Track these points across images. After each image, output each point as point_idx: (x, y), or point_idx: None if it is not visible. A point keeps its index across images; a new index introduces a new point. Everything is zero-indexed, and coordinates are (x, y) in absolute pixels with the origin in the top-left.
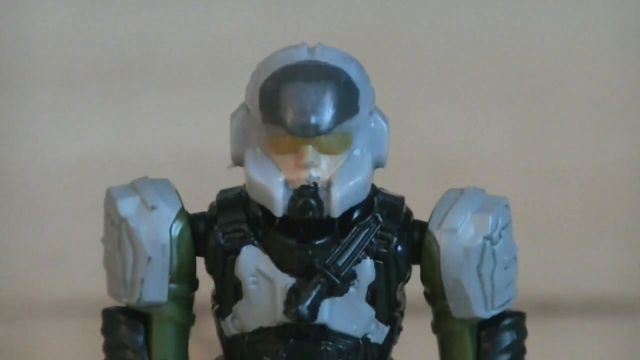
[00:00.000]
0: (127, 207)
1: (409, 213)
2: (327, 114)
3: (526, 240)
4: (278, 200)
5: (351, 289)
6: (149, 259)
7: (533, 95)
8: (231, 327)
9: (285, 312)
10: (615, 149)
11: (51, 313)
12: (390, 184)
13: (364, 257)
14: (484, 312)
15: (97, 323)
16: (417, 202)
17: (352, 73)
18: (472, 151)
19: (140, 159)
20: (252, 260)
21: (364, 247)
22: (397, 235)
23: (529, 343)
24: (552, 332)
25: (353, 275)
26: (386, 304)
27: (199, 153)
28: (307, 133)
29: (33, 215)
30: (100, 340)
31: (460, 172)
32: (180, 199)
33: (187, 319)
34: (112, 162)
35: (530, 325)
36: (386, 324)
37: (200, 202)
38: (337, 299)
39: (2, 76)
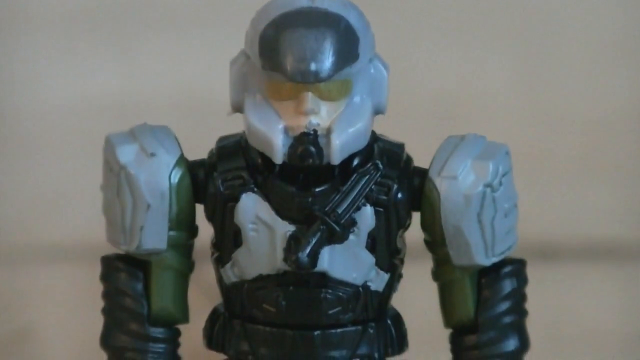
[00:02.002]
0: (127, 154)
1: (409, 160)
2: (327, 61)
3: (526, 185)
4: (278, 147)
5: (351, 237)
6: (148, 206)
7: (534, 40)
8: (231, 275)
9: (285, 260)
10: (616, 93)
11: (49, 257)
12: (390, 130)
13: (364, 204)
14: (484, 260)
15: (95, 267)
16: (418, 149)
17: (352, 20)
18: (473, 96)
19: (139, 103)
20: (251, 208)
21: (364, 194)
22: (397, 182)
23: (529, 289)
24: (553, 277)
25: (353, 223)
26: (386, 251)
27: (198, 97)
28: (307, 80)
29: (31, 159)
30: (98, 284)
31: (461, 117)
32: (179, 145)
33: (186, 266)
34: (111, 105)
35: (530, 270)
36: (386, 272)
37: (199, 148)
38: (337, 246)
39: (1, 20)
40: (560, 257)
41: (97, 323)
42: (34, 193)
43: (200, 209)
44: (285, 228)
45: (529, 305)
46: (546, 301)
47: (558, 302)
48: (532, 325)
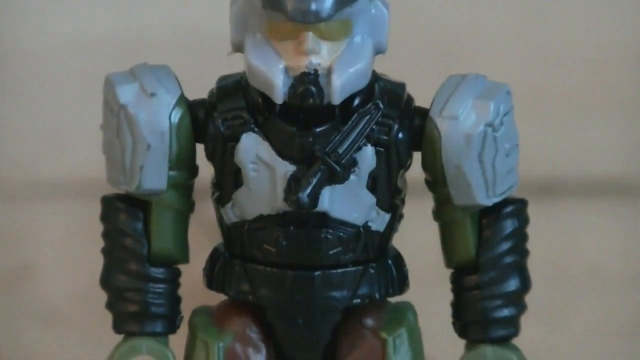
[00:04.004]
0: (127, 93)
1: (410, 99)
2: (328, 1)
3: (527, 122)
4: (278, 87)
5: (352, 177)
6: (148, 146)
7: None
8: (231, 215)
9: (286, 200)
10: (618, 29)
11: (48, 195)
12: (391, 70)
13: (365, 145)
14: (485, 200)
15: (95, 205)
16: (418, 88)
17: None
18: (473, 35)
19: (140, 41)
20: (252, 147)
21: (364, 134)
22: (398, 122)
23: (530, 227)
24: (554, 215)
25: (354, 163)
26: (387, 191)
27: (199, 36)
28: (308, 19)
29: (31, 97)
30: (97, 222)
31: (461, 56)
32: (179, 85)
33: (186, 206)
34: (111, 43)
35: (531, 209)
36: (387, 212)
37: (200, 87)
38: (338, 186)
39: None
40: (562, 195)
41: (96, 261)
42: (33, 130)
43: (200, 148)
44: (286, 168)
45: (531, 244)
46: (548, 239)
47: (560, 240)
48: (534, 264)
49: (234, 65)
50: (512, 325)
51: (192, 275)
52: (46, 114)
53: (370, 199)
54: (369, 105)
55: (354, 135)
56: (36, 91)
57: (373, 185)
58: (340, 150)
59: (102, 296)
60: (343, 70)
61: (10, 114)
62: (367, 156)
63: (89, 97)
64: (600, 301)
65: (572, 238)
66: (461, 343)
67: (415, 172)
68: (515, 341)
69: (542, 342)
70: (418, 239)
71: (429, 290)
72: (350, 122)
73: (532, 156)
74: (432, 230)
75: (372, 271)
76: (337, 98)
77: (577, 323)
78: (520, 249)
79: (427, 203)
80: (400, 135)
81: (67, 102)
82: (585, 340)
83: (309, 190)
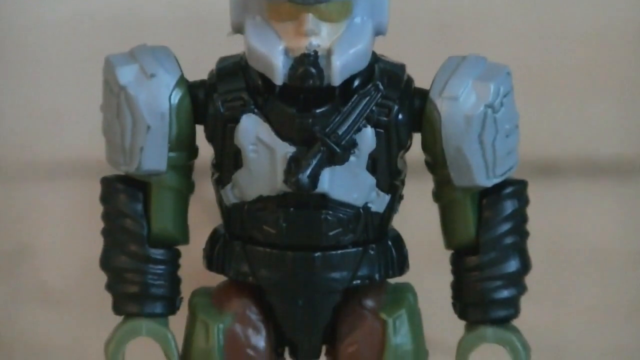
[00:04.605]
0: (126, 75)
1: (409, 81)
2: None
3: (527, 102)
4: (278, 68)
5: (352, 158)
6: (148, 127)
7: None
8: (231, 196)
9: (285, 181)
10: (616, 8)
11: (48, 175)
12: (391, 50)
13: (365, 126)
14: (485, 181)
15: (95, 186)
16: (418, 69)
17: None
18: (473, 14)
19: (140, 20)
20: (252, 129)
21: (364, 115)
22: (397, 103)
23: (531, 207)
24: (554, 195)
25: (353, 144)
26: (387, 172)
27: (199, 17)
28: (307, 1)
29: (31, 76)
30: (97, 203)
31: (461, 35)
32: (179, 66)
33: (186, 187)
34: (111, 23)
35: (531, 189)
36: (387, 193)
37: (200, 68)
38: (338, 168)
39: None
40: (562, 175)
41: (95, 243)
42: (32, 111)
43: (200, 129)
44: (286, 149)
45: (531, 224)
46: (548, 220)
47: (560, 220)
48: (534, 245)
49: (234, 46)
50: (512, 306)
51: (191, 256)
52: (45, 94)
53: (370, 180)
54: (368, 87)
55: (353, 116)
56: (35, 72)
57: (373, 166)
58: (340, 132)
59: (102, 278)
60: (343, 51)
61: (8, 94)
62: (367, 137)
63: (88, 78)
64: (601, 282)
65: (572, 218)
66: (461, 324)
67: (415, 153)
68: (515, 322)
69: (542, 323)
70: (418, 220)
71: (429, 271)
72: (350, 104)
73: (532, 137)
74: (432, 212)
75: (372, 252)
76: (337, 79)
77: (578, 304)
78: (520, 230)
79: (427, 184)
80: (400, 116)
81: (67, 82)
82: (586, 321)
83: (308, 171)
